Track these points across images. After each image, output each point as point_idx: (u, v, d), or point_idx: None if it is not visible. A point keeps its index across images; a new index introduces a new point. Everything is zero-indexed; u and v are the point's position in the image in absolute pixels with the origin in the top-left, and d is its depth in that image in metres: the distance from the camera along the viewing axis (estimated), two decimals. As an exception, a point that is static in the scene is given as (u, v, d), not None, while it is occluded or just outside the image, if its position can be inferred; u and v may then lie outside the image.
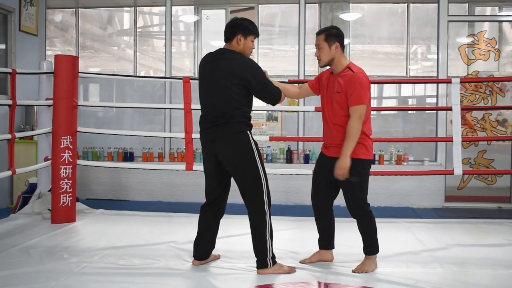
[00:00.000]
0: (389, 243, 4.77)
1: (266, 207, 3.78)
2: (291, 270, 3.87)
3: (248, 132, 3.81)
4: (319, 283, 3.64)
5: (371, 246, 3.98)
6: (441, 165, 7.23)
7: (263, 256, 3.80)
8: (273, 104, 3.96)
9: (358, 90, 3.74)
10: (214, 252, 4.17)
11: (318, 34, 3.96)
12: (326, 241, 4.18)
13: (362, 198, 3.95)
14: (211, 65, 3.86)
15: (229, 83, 3.75)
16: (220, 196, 4.02)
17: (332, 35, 3.88)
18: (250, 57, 4.00)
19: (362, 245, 4.02)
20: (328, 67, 4.03)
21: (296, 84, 4.50)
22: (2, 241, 4.74)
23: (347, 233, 4.60)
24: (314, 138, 7.06)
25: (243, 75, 3.74)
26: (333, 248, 4.20)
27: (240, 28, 3.87)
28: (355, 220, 4.00)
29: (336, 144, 3.88)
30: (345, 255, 4.30)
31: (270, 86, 3.87)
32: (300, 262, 4.14)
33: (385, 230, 5.37)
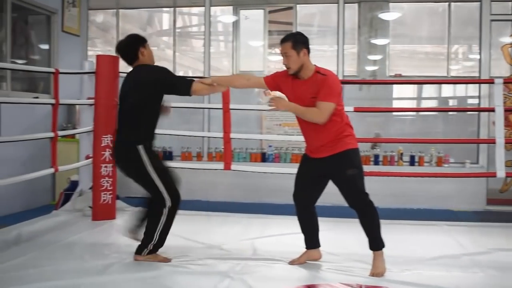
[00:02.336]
0: (429, 246, 4.71)
1: (165, 209, 3.99)
2: (165, 260, 4.09)
3: (141, 146, 3.96)
4: (359, 286, 3.61)
5: (377, 240, 3.92)
6: (483, 167, 7.09)
7: (143, 246, 4.06)
8: (187, 94, 4.01)
9: (327, 89, 3.74)
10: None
11: (283, 41, 3.87)
12: (312, 240, 4.18)
13: (362, 188, 3.90)
14: (126, 79, 4.20)
15: (133, 95, 4.03)
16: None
17: (299, 42, 3.82)
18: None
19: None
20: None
21: (246, 76, 4.48)
22: (45, 237, 4.84)
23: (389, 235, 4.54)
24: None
25: (154, 76, 3.99)
26: (319, 246, 4.19)
27: (137, 42, 4.12)
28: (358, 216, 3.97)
29: (319, 146, 3.88)
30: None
31: (180, 78, 4.16)
32: (289, 263, 4.12)
33: (424, 233, 5.31)
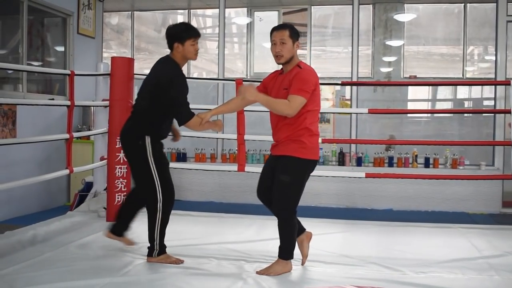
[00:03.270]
0: (444, 248, 4.68)
1: (159, 205, 4.02)
2: (177, 261, 4.09)
3: (148, 136, 4.00)
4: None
5: (286, 250, 3.86)
6: (499, 169, 7.03)
7: (151, 246, 4.11)
8: (180, 124, 4.05)
9: (300, 83, 3.67)
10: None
11: (279, 29, 3.84)
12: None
13: (288, 200, 3.79)
14: (152, 68, 4.18)
15: (148, 88, 4.09)
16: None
17: (295, 33, 3.82)
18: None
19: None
20: (271, 72, 4.03)
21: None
22: (60, 237, 4.87)
23: (404, 238, 4.53)
24: (366, 141, 7.00)
25: (160, 86, 3.96)
26: (305, 229, 4.12)
27: (174, 37, 4.03)
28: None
29: (281, 141, 3.82)
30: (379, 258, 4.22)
31: (183, 108, 3.99)
32: (257, 273, 3.95)
33: (439, 235, 5.28)
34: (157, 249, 4.09)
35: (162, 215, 4.06)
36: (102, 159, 6.01)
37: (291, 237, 3.88)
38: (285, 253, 3.88)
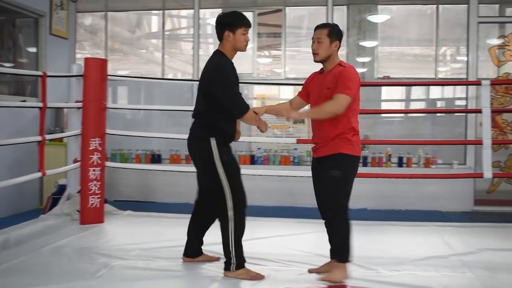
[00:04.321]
0: (418, 246, 4.73)
1: (230, 213, 3.76)
2: (257, 276, 3.81)
3: (213, 138, 3.77)
4: (346, 287, 3.62)
5: (339, 252, 3.79)
6: (471, 168, 7.13)
7: (227, 259, 3.84)
8: (238, 117, 3.82)
9: (345, 82, 3.69)
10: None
11: (320, 27, 3.86)
12: None
13: (340, 197, 3.75)
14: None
15: (200, 87, 3.86)
16: (205, 197, 4.12)
17: (335, 32, 3.82)
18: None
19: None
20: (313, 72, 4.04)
21: (287, 102, 4.35)
22: (33, 241, 4.81)
23: (378, 236, 4.56)
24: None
25: (206, 80, 3.78)
26: None
27: (226, 24, 3.82)
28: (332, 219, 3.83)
29: (324, 143, 3.81)
30: (378, 258, 4.26)
31: (235, 94, 3.75)
32: (309, 271, 4.01)
33: (413, 233, 5.34)
34: (234, 263, 3.81)
35: (235, 224, 3.77)
36: (75, 161, 5.95)
37: (346, 238, 3.79)
38: (342, 255, 3.79)
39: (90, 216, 5.65)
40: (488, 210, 7.01)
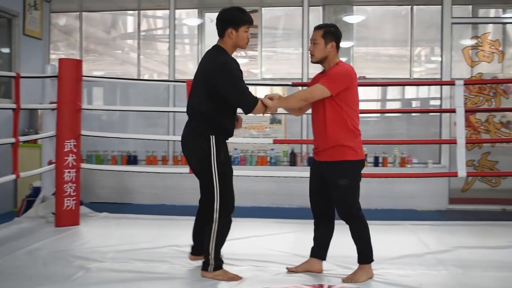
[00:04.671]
0: (394, 245, 4.77)
1: (215, 214, 3.70)
2: (235, 278, 3.79)
3: (213, 135, 3.71)
4: (322, 286, 3.63)
5: (364, 254, 3.83)
6: (445, 167, 7.21)
7: (206, 260, 3.81)
8: (246, 112, 3.74)
9: (329, 75, 3.71)
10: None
11: (316, 28, 3.86)
12: (318, 250, 4.03)
13: (352, 202, 3.78)
14: (200, 63, 3.90)
15: (200, 84, 3.75)
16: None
17: (330, 33, 3.80)
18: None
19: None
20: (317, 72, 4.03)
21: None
22: (7, 244, 4.74)
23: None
24: (317, 141, 7.06)
25: (211, 76, 3.66)
26: (324, 259, 4.04)
27: (230, 21, 3.73)
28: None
29: (325, 147, 3.78)
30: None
31: (243, 90, 3.68)
32: (287, 269, 4.03)
33: (389, 232, 5.38)
34: (212, 264, 3.77)
35: (218, 226, 3.71)
36: (50, 163, 5.88)
37: (365, 239, 3.82)
38: (365, 257, 3.83)
39: (66, 219, 5.59)
40: (462, 208, 7.10)
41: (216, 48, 3.80)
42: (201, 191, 3.97)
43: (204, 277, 3.80)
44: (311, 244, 4.46)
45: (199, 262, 4.08)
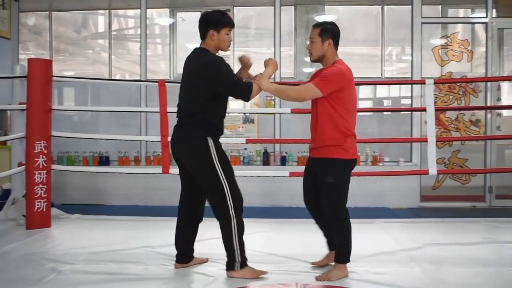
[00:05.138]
0: (366, 243, 4.80)
1: (231, 211, 3.72)
2: (261, 273, 3.82)
3: (209, 137, 3.74)
4: (297, 284, 3.64)
5: (341, 254, 3.85)
6: (416, 165, 7.30)
7: (231, 259, 3.78)
8: (246, 100, 3.83)
9: (322, 75, 3.73)
10: (200, 256, 4.19)
11: (313, 27, 3.90)
12: (331, 242, 4.08)
13: (337, 201, 3.82)
14: (186, 65, 3.89)
15: (193, 85, 3.76)
16: (195, 198, 4.00)
17: (327, 31, 3.82)
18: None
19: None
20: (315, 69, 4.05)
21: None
22: (-24, 248, 4.66)
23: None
24: (290, 140, 7.09)
25: (206, 76, 3.68)
26: None
27: (211, 23, 3.81)
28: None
29: (318, 144, 3.83)
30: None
31: (237, 82, 3.75)
32: (312, 264, 4.11)
33: (362, 230, 5.41)
34: (239, 261, 3.76)
35: (237, 221, 3.72)
36: (20, 164, 5.80)
37: (346, 240, 3.84)
38: (342, 257, 3.84)
39: (37, 221, 5.51)
40: (433, 206, 7.20)
41: (201, 49, 3.85)
42: (188, 196, 3.97)
43: (232, 277, 3.78)
44: (284, 242, 4.50)
45: (173, 263, 4.08)
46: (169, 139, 5.54)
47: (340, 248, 3.86)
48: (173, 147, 3.88)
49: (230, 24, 3.87)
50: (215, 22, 3.81)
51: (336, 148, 3.75)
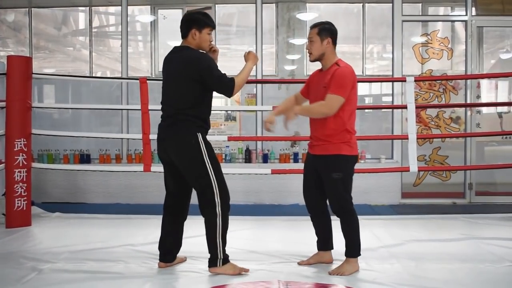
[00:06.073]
0: (348, 240, 4.83)
1: (218, 209, 3.74)
2: (242, 270, 3.84)
3: (199, 133, 3.78)
4: (279, 281, 3.65)
5: (352, 248, 3.90)
6: (397, 162, 7.34)
7: (214, 256, 3.80)
8: (229, 96, 3.88)
9: (337, 82, 3.74)
10: (179, 254, 4.16)
11: (311, 27, 3.94)
12: (322, 242, 4.13)
13: (345, 196, 3.90)
14: (168, 63, 3.90)
15: (181, 81, 3.77)
16: (180, 196, 3.99)
17: (325, 30, 3.87)
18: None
19: (339, 243, 4.01)
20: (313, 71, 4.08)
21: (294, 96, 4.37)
22: (-46, 247, 4.61)
23: (309, 232, 4.63)
24: (272, 138, 7.09)
25: (195, 70, 3.72)
26: (332, 248, 4.13)
27: (194, 22, 3.85)
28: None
29: (321, 140, 3.88)
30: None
31: (222, 77, 3.79)
32: (299, 263, 4.11)
33: (343, 227, 5.45)
34: (221, 257, 3.78)
35: (222, 219, 3.76)
36: (-1, 163, 5.74)
37: (355, 233, 3.89)
38: (353, 251, 3.89)
39: (17, 219, 5.47)
40: (414, 202, 7.25)
41: (186, 47, 3.87)
42: (173, 195, 3.97)
43: (214, 273, 3.80)
44: (267, 240, 4.50)
45: (155, 261, 4.07)
46: (150, 137, 5.59)
47: (350, 242, 3.91)
48: (162, 145, 3.87)
49: (212, 25, 3.92)
50: (197, 22, 3.85)
51: (343, 145, 3.82)
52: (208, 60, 3.79)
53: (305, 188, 4.11)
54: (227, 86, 3.80)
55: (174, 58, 3.87)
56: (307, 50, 3.96)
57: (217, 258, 3.78)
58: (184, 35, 3.88)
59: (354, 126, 3.94)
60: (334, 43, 3.92)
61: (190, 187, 3.95)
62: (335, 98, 3.73)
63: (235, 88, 3.82)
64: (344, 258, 3.94)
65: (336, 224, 4.03)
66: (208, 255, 3.82)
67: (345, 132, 3.83)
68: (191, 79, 3.73)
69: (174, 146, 3.80)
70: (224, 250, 3.79)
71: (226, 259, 3.82)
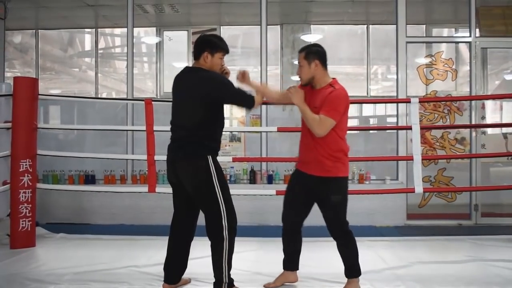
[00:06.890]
0: (353, 262, 4.80)
1: (224, 233, 3.71)
2: None
3: (210, 156, 3.74)
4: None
5: (352, 269, 3.91)
6: (403, 183, 7.31)
7: (219, 280, 3.76)
8: (250, 108, 3.94)
9: (332, 104, 3.73)
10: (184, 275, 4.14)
11: (299, 52, 3.95)
12: (291, 262, 4.12)
13: (343, 218, 3.89)
14: (179, 82, 3.88)
15: (194, 101, 3.74)
16: (189, 218, 3.97)
17: (311, 53, 3.88)
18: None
19: (334, 266, 4.01)
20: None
21: (278, 90, 4.41)
22: (-42, 268, 4.60)
23: (313, 253, 4.61)
24: (277, 159, 7.09)
25: (211, 89, 3.70)
26: (297, 269, 4.14)
27: (207, 45, 3.83)
28: (335, 240, 3.95)
29: (316, 160, 3.83)
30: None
31: (241, 93, 3.83)
32: (265, 286, 4.08)
33: (348, 249, 5.42)
34: (226, 281, 3.73)
35: (229, 243, 3.73)
36: (5, 183, 5.75)
37: (354, 254, 3.92)
38: (354, 271, 3.92)
39: (21, 240, 5.46)
40: (420, 224, 7.20)
41: (198, 68, 3.84)
42: (181, 216, 3.95)
43: None
44: (271, 262, 4.47)
45: (159, 282, 4.05)
46: (155, 157, 5.59)
47: (350, 263, 3.92)
48: (171, 167, 3.84)
49: (225, 50, 3.90)
50: (210, 45, 3.83)
51: (340, 166, 3.82)
52: (221, 76, 3.82)
53: (289, 203, 4.06)
54: (249, 98, 3.84)
55: (186, 78, 3.85)
56: (298, 75, 3.97)
57: (222, 282, 3.74)
58: (197, 57, 3.86)
59: (347, 146, 3.93)
60: (324, 64, 3.92)
61: (198, 208, 3.92)
62: (328, 121, 3.72)
63: (256, 102, 3.88)
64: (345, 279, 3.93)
65: (332, 245, 3.99)
66: (213, 278, 3.80)
67: (342, 151, 3.83)
68: (203, 98, 3.70)
69: (183, 168, 3.76)
70: (229, 275, 3.75)
71: (231, 284, 3.77)
